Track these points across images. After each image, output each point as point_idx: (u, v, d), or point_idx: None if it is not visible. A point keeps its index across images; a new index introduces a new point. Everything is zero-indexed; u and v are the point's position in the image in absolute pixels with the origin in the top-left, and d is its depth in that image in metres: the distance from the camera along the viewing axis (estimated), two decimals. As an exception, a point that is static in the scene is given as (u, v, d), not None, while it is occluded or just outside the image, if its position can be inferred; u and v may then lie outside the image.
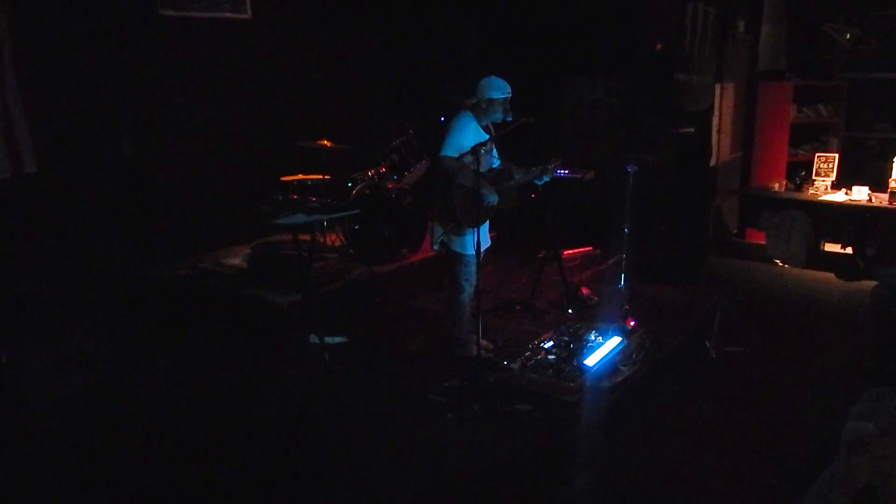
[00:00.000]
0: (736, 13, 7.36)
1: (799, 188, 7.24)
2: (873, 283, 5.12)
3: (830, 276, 6.76)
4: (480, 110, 4.60)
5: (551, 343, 4.65)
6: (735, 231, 7.94)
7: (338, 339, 5.16)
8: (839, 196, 6.93)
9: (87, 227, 5.58)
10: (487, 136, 4.53)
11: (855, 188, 6.82)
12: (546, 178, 4.96)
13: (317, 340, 4.97)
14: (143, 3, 5.84)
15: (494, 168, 4.67)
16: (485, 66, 5.24)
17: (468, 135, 4.50)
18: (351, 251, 6.14)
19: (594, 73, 7.55)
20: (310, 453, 3.91)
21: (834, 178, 7.08)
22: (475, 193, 4.35)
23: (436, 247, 4.80)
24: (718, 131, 7.43)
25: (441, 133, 4.61)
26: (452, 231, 4.65)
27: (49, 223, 5.36)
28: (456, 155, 4.42)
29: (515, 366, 4.41)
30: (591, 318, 5.25)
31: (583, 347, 4.50)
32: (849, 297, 6.15)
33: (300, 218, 5.04)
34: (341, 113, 7.15)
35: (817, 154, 7.30)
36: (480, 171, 4.31)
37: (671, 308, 5.88)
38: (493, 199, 4.57)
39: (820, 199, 6.99)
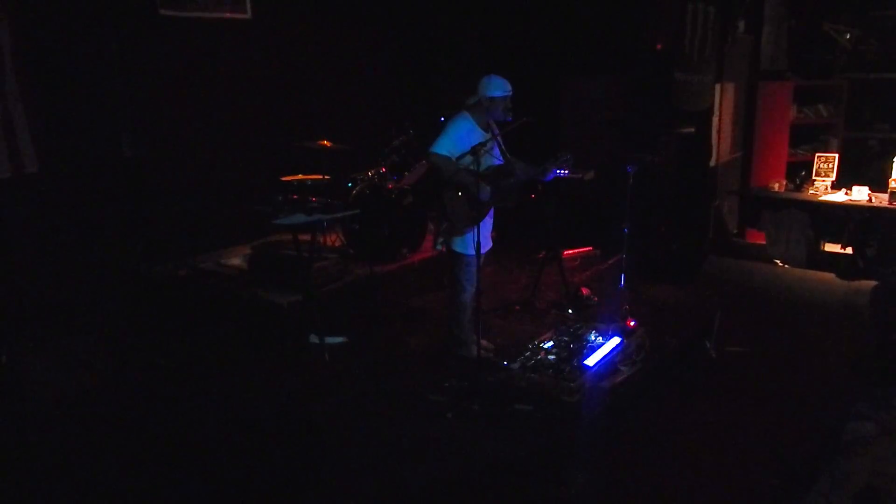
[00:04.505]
0: (736, 13, 7.36)
1: (799, 188, 7.23)
2: (873, 283, 5.12)
3: (830, 276, 6.76)
4: (481, 109, 4.58)
5: (551, 343, 4.65)
6: (735, 231, 7.94)
7: (338, 339, 5.16)
8: (839, 196, 6.92)
9: (87, 226, 5.58)
10: (484, 137, 4.50)
11: (855, 188, 6.82)
12: (556, 173, 4.92)
13: (317, 340, 4.97)
14: (143, 3, 5.84)
15: (493, 166, 4.66)
16: (485, 65, 5.23)
17: (460, 136, 4.48)
18: (351, 251, 6.14)
19: (594, 73, 7.55)
20: (310, 453, 3.91)
21: (834, 178, 7.07)
22: (466, 192, 4.35)
23: (438, 247, 4.80)
24: (718, 131, 7.43)
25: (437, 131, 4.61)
26: (448, 232, 4.64)
27: (49, 223, 5.36)
28: (446, 153, 4.42)
29: (515, 366, 4.41)
30: (591, 318, 5.25)
31: (583, 347, 4.50)
32: (849, 297, 6.14)
33: (300, 218, 5.05)
34: (341, 113, 7.15)
35: (817, 154, 7.29)
36: (479, 170, 4.31)
37: (671, 308, 5.89)
38: (484, 195, 4.56)
39: (820, 199, 6.99)
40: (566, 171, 5.27)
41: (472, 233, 4.50)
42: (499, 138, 4.67)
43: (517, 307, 5.89)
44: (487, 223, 4.72)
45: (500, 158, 4.71)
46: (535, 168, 4.81)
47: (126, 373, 4.87)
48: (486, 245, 4.74)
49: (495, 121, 4.64)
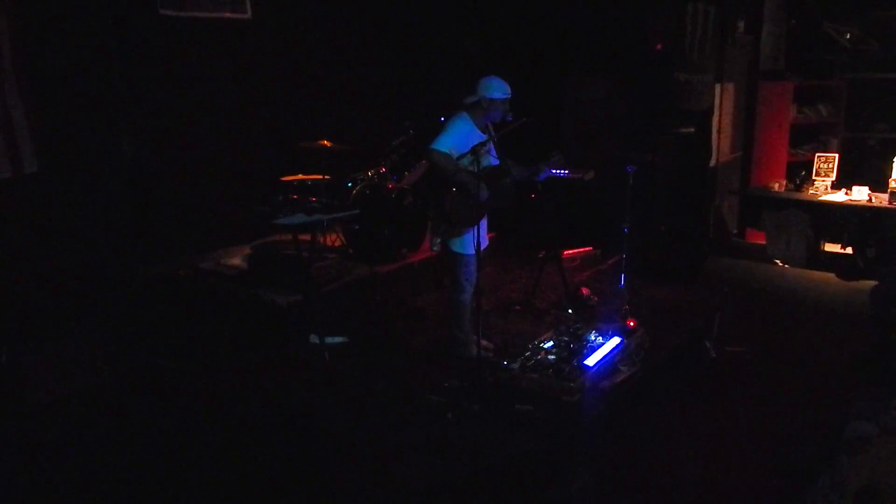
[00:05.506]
0: (736, 13, 7.36)
1: (799, 188, 7.24)
2: (873, 283, 5.12)
3: (830, 276, 6.76)
4: (480, 110, 4.58)
5: (551, 343, 4.64)
6: (735, 231, 7.94)
7: (338, 339, 5.16)
8: (839, 196, 6.93)
9: (87, 226, 5.57)
10: (483, 137, 4.50)
11: (855, 188, 6.82)
12: (550, 172, 4.94)
13: (317, 340, 4.97)
14: (143, 3, 5.84)
15: (490, 166, 4.66)
16: (485, 66, 5.23)
17: (460, 135, 4.48)
18: (351, 251, 6.14)
19: (594, 72, 7.55)
20: (310, 453, 3.91)
21: (834, 178, 7.08)
22: (465, 192, 4.35)
23: (435, 248, 4.80)
24: (718, 131, 7.43)
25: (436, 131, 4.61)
26: (448, 232, 4.64)
27: (49, 223, 5.36)
28: (446, 150, 4.42)
29: (515, 366, 4.40)
30: (591, 318, 5.24)
31: (583, 347, 4.50)
32: (849, 297, 6.15)
33: (300, 218, 5.05)
34: (341, 113, 7.14)
35: (817, 154, 7.30)
36: (475, 170, 4.30)
37: (671, 308, 5.88)
38: (483, 195, 4.56)
39: (820, 199, 6.99)
40: (566, 172, 5.28)
41: (470, 233, 4.50)
42: (495, 139, 4.67)
43: (517, 307, 5.89)
44: (483, 223, 4.72)
45: (497, 159, 4.71)
46: (527, 169, 4.84)
47: (126, 373, 4.87)
48: (483, 244, 4.74)
49: (493, 122, 4.64)
